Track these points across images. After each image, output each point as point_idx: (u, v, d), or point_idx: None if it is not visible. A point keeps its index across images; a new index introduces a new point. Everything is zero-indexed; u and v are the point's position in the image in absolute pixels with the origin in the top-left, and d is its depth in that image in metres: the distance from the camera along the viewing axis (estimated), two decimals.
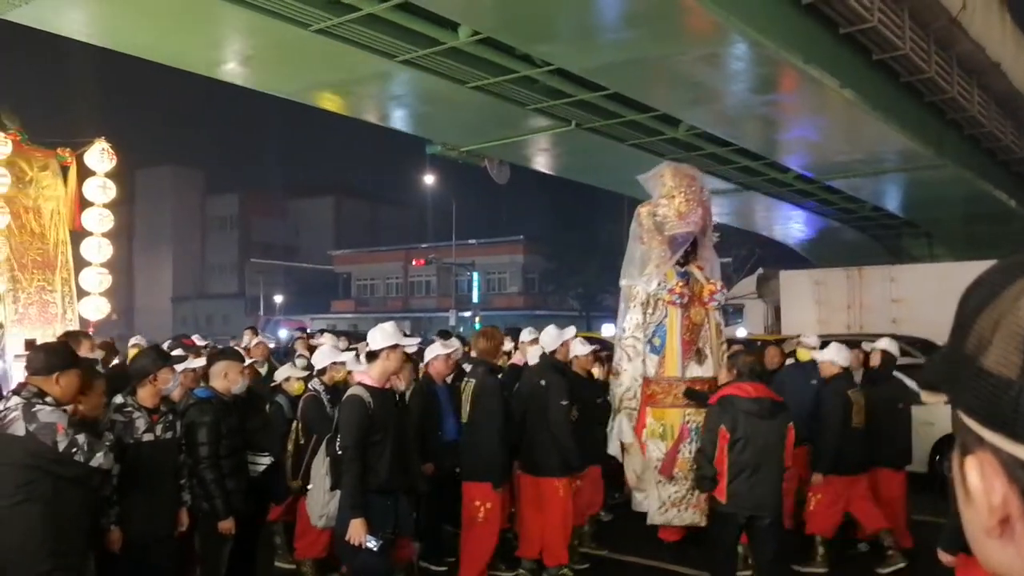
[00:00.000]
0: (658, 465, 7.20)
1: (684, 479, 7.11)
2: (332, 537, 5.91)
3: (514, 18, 11.05)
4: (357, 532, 4.71)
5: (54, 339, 6.70)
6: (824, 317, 20.45)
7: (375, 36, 11.47)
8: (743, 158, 18.65)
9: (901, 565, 7.01)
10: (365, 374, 5.08)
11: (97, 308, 10.03)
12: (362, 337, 16.45)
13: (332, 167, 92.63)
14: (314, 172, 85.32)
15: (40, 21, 10.86)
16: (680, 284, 7.46)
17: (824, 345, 7.71)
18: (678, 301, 7.40)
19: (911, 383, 7.91)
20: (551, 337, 6.99)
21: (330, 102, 15.26)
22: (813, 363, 7.98)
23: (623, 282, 7.91)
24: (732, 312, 25.58)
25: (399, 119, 16.64)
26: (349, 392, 5.02)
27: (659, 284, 7.51)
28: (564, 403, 6.56)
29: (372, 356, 5.08)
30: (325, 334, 9.93)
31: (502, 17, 11.12)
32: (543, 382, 6.65)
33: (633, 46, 11.51)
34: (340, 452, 4.87)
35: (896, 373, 7.70)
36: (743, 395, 5.61)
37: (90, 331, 9.70)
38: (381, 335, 5.09)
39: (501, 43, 12.13)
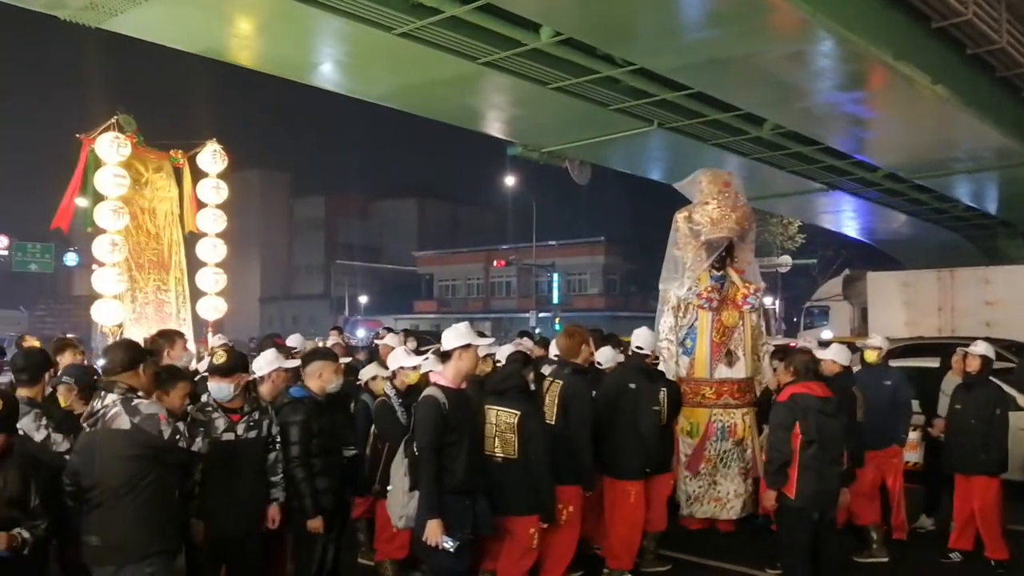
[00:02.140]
0: (685, 461, 7.42)
1: (708, 475, 7.43)
2: (410, 538, 6.03)
3: (596, 18, 11.05)
4: (433, 533, 4.73)
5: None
6: (913, 320, 19.89)
7: (457, 39, 11.61)
8: (829, 157, 18.24)
9: (883, 559, 7.28)
10: (441, 375, 5.10)
11: (215, 308, 10.30)
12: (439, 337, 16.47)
13: (415, 169, 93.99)
14: (397, 174, 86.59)
15: (134, 29, 11.31)
16: (709, 288, 7.65)
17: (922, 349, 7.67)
18: (706, 305, 7.62)
19: (1009, 389, 7.64)
20: (645, 339, 6.99)
21: (413, 105, 15.50)
22: (885, 365, 7.99)
23: (661, 286, 8.16)
24: (817, 314, 25.08)
25: (481, 121, 16.79)
26: (424, 393, 5.04)
27: (689, 288, 7.74)
28: (656, 408, 6.70)
29: (446, 356, 5.12)
30: (389, 334, 9.95)
31: (584, 18, 11.13)
32: (632, 385, 6.70)
33: (717, 45, 11.38)
34: (417, 453, 4.90)
35: (992, 378, 7.45)
36: (813, 394, 5.73)
37: (208, 331, 9.99)
38: (454, 335, 5.12)
39: (583, 43, 12.14)
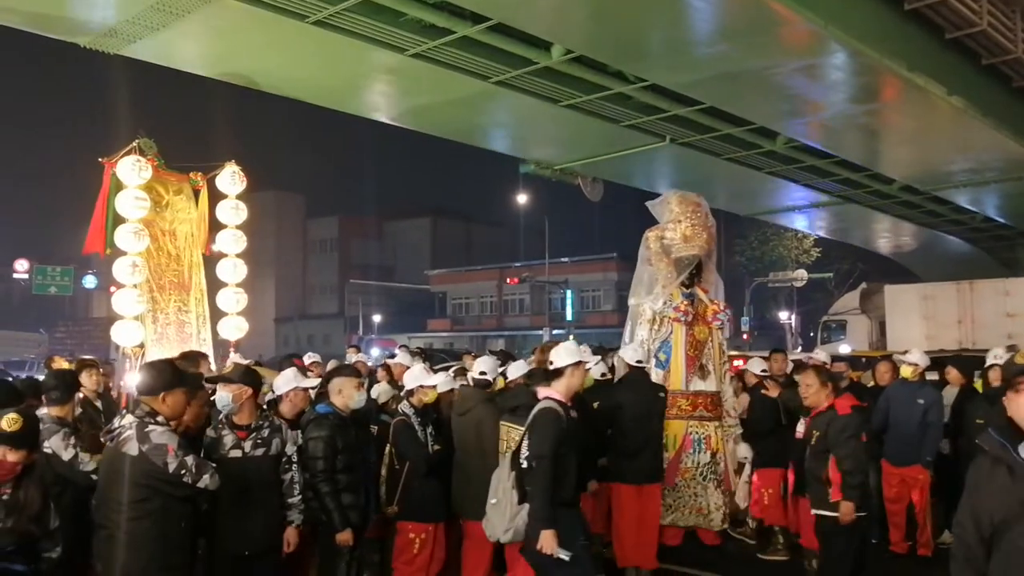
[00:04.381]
0: None
1: (686, 485, 7.63)
2: (431, 559, 5.96)
3: (607, 36, 11.08)
4: (549, 543, 4.66)
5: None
6: (933, 333, 19.72)
7: (469, 58, 11.68)
8: (844, 170, 18.19)
9: (783, 558, 7.56)
10: (553, 390, 5.08)
11: (236, 327, 10.33)
12: (457, 356, 16.37)
13: (427, 189, 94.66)
14: (410, 194, 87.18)
15: (153, 55, 11.48)
16: (685, 303, 7.92)
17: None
18: (682, 319, 7.88)
19: None
20: (643, 353, 7.46)
21: (426, 124, 15.57)
22: (922, 382, 7.93)
23: (631, 301, 8.40)
24: (835, 328, 24.92)
25: (493, 139, 16.85)
26: (543, 406, 4.97)
27: (664, 303, 8.01)
28: None
29: (557, 373, 5.11)
30: (401, 352, 10.02)
31: (595, 35, 11.16)
32: (662, 394, 7.18)
33: (728, 60, 11.39)
34: (533, 463, 4.80)
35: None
36: (858, 407, 5.83)
37: (231, 350, 10.02)
38: (566, 353, 5.14)
39: (594, 61, 12.18)
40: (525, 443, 4.91)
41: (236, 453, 4.83)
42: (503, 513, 5.04)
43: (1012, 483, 2.91)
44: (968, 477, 3.14)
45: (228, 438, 4.84)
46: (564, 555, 4.66)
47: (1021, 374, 3.01)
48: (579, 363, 5.10)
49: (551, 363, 6.65)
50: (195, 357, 6.44)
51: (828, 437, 5.67)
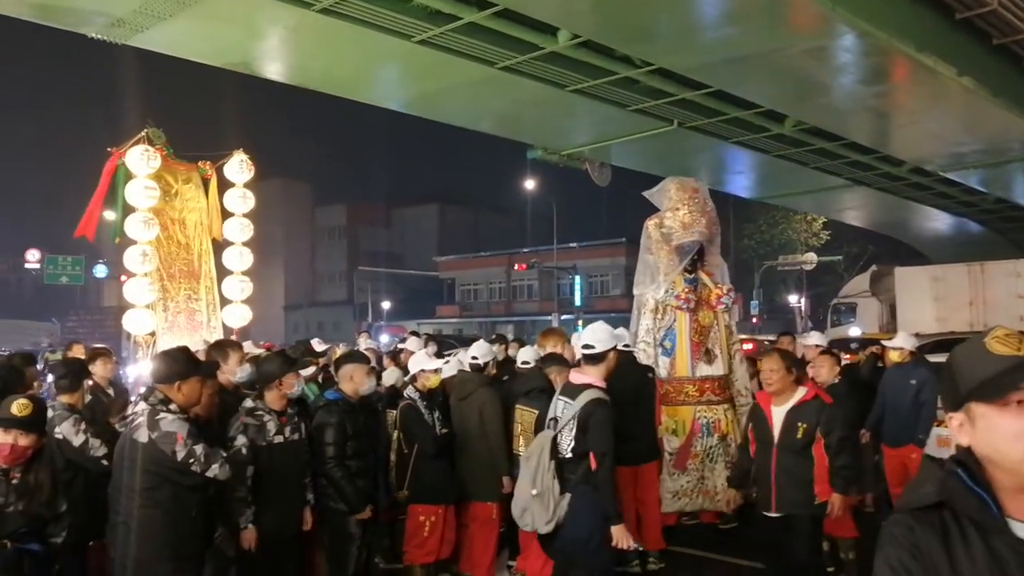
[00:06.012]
0: (672, 459, 7.58)
1: (696, 470, 7.65)
2: (441, 541, 5.96)
3: (613, 20, 11.04)
4: (624, 537, 4.59)
5: (205, 345, 6.84)
6: (943, 315, 19.67)
7: (475, 44, 11.66)
8: (853, 152, 18.11)
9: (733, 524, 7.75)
10: (593, 376, 4.90)
11: (240, 316, 10.38)
12: (466, 342, 16.56)
13: (435, 175, 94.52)
14: (418, 181, 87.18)
15: (160, 45, 11.51)
16: (686, 290, 7.92)
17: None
18: (684, 306, 7.89)
19: None
20: (623, 336, 7.35)
21: (433, 111, 15.55)
22: (915, 363, 7.94)
23: (636, 291, 8.39)
24: (844, 311, 24.86)
25: (500, 125, 16.82)
26: (595, 396, 4.77)
27: (666, 291, 8.02)
28: None
29: (599, 359, 4.92)
30: (411, 338, 10.10)
31: (601, 20, 11.12)
32: (650, 375, 7.18)
33: (736, 43, 11.33)
34: (598, 460, 4.66)
35: None
36: None
37: (233, 338, 10.04)
38: (606, 336, 4.96)
39: (601, 45, 12.14)
40: (571, 434, 4.76)
41: (279, 439, 4.88)
42: (546, 506, 4.86)
43: (994, 563, 1.55)
44: (900, 547, 1.62)
45: (271, 424, 4.87)
46: (637, 545, 4.64)
47: (1016, 373, 1.54)
48: (615, 347, 4.99)
49: (544, 347, 6.71)
50: (224, 347, 6.22)
51: (820, 428, 5.22)
